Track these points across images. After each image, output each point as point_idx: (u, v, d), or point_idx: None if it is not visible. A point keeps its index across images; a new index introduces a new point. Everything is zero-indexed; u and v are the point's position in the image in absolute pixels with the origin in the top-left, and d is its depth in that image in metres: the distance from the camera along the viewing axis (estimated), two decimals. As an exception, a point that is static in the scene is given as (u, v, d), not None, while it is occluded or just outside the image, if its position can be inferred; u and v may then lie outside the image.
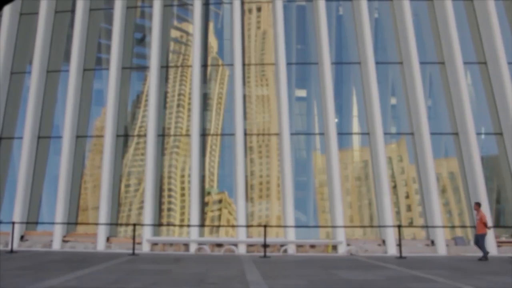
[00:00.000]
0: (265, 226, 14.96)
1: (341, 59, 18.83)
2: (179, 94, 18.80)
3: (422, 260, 13.38)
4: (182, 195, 17.57)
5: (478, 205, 14.17)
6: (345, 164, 17.71)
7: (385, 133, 17.09)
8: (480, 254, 13.90)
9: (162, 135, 18.06)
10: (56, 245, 16.37)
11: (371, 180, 17.15)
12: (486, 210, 15.23)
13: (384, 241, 15.90)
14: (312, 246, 15.98)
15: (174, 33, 19.96)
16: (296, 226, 16.11)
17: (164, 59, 18.93)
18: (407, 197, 17.27)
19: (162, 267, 10.78)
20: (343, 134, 17.83)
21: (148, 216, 16.47)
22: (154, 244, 16.30)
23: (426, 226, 16.22)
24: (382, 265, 11.62)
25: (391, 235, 15.57)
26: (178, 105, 18.65)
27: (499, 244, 15.79)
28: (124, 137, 18.32)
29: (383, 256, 14.21)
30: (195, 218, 16.33)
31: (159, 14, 18.45)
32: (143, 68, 19.25)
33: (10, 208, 17.18)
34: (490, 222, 15.07)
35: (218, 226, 17.27)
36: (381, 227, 16.08)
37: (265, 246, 14.63)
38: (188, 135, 17.83)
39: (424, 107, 16.79)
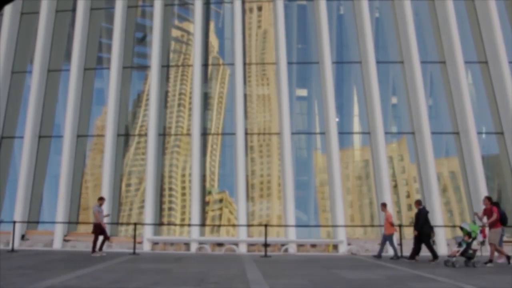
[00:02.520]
0: (265, 226, 14.96)
1: (342, 59, 18.82)
2: (180, 94, 18.80)
3: (423, 259, 13.37)
4: (183, 194, 17.58)
5: (384, 205, 14.25)
6: (346, 163, 17.70)
7: (386, 133, 17.08)
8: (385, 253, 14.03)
9: (163, 134, 18.07)
10: (57, 244, 16.39)
11: (371, 179, 17.14)
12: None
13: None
14: (313, 246, 15.98)
15: (175, 33, 19.96)
16: (297, 226, 16.10)
17: (165, 59, 18.93)
18: (408, 196, 17.26)
19: (163, 267, 10.78)
20: (344, 133, 17.82)
21: (148, 215, 16.48)
22: (155, 243, 16.31)
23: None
24: (383, 265, 11.61)
25: (392, 235, 15.55)
26: (179, 105, 18.65)
27: (500, 243, 15.75)
28: (125, 136, 18.33)
29: (384, 256, 14.19)
30: (195, 218, 16.33)
31: (160, 14, 18.45)
32: (144, 68, 19.25)
33: (11, 207, 17.19)
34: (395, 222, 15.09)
35: (219, 226, 17.26)
36: (382, 226, 16.04)
37: (266, 245, 14.63)
38: (189, 134, 17.83)
39: (425, 106, 16.78)
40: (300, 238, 15.99)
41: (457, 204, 16.99)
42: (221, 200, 17.62)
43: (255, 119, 18.23)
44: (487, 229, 12.43)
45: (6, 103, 18.65)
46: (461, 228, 11.76)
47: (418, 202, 13.52)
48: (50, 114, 18.65)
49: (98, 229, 13.89)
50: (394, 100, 18.60)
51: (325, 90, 17.33)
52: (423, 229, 12.86)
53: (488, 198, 12.44)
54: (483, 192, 15.72)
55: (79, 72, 18.27)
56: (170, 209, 17.52)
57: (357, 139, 18.15)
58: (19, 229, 16.14)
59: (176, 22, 20.12)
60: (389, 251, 14.35)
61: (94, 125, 18.75)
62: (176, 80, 18.99)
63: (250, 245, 16.12)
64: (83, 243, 16.50)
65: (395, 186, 17.31)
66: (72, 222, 17.14)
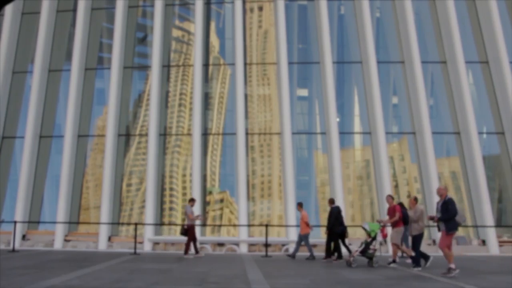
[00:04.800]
0: (266, 226, 14.95)
1: (343, 58, 18.82)
2: (181, 93, 18.80)
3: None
4: (184, 194, 17.58)
5: (300, 205, 13.91)
6: (346, 163, 17.70)
7: (387, 133, 17.07)
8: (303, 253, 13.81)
9: (163, 134, 18.07)
10: (58, 244, 16.40)
11: (372, 179, 17.14)
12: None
13: (385, 241, 15.86)
14: (314, 246, 15.94)
15: (175, 33, 19.97)
16: (298, 226, 16.07)
17: (166, 58, 18.93)
18: (409, 196, 17.22)
19: (163, 266, 10.78)
20: (345, 133, 17.82)
21: (149, 215, 16.48)
22: (156, 243, 16.31)
23: (428, 226, 16.17)
24: (383, 265, 11.60)
25: (392, 235, 15.53)
26: (180, 105, 18.66)
27: (501, 243, 15.76)
28: (125, 136, 18.33)
29: (384, 256, 14.17)
30: (196, 218, 16.32)
31: (161, 13, 18.44)
32: (145, 67, 19.26)
33: (12, 207, 17.20)
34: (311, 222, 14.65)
35: (220, 226, 17.27)
36: (382, 226, 16.02)
37: (266, 245, 14.62)
38: (189, 134, 17.83)
39: (425, 106, 16.77)
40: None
41: (458, 204, 16.90)
42: (222, 200, 17.62)
43: (256, 119, 18.23)
44: (387, 229, 12.31)
45: (7, 103, 18.66)
46: (363, 228, 11.62)
47: (330, 201, 13.24)
48: (51, 114, 18.66)
49: (191, 231, 13.44)
50: (395, 100, 18.60)
51: (326, 90, 17.33)
52: (334, 228, 12.63)
53: (391, 197, 12.19)
54: (484, 192, 15.73)
55: (80, 72, 18.28)
56: (171, 209, 17.53)
57: (358, 139, 18.15)
58: (20, 229, 16.16)
59: (177, 22, 20.13)
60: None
61: (95, 125, 18.76)
62: (177, 80, 19.00)
63: (251, 245, 16.11)
64: (84, 243, 16.51)
65: (396, 186, 17.31)
66: (73, 222, 17.15)
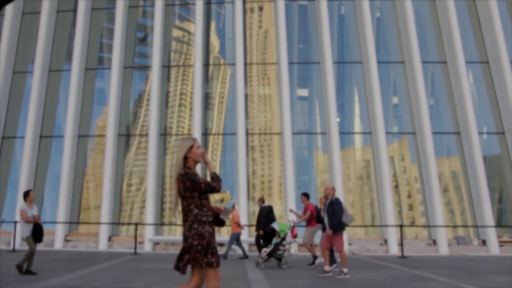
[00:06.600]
0: (267, 226, 14.92)
1: (343, 59, 18.82)
2: (181, 94, 18.80)
3: (424, 259, 13.37)
4: (184, 194, 17.55)
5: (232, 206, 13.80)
6: (347, 163, 17.70)
7: (387, 133, 17.06)
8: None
9: (164, 134, 18.07)
10: (58, 244, 16.39)
11: (373, 179, 17.13)
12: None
13: (386, 241, 15.88)
14: (314, 246, 15.94)
15: (176, 33, 19.97)
16: (298, 226, 16.06)
17: (166, 59, 18.93)
18: (409, 196, 17.25)
19: (164, 266, 10.78)
20: (345, 133, 17.82)
21: (150, 215, 16.47)
22: (156, 243, 16.31)
23: (428, 226, 16.20)
24: (384, 265, 11.60)
25: (393, 235, 15.55)
26: (180, 105, 18.66)
27: (501, 243, 15.76)
28: (126, 136, 18.33)
29: (385, 256, 14.20)
30: (197, 218, 16.31)
31: (161, 14, 18.42)
32: (145, 68, 19.26)
33: (12, 207, 17.19)
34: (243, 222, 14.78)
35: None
36: (383, 226, 16.05)
37: (267, 245, 14.59)
38: (190, 134, 17.82)
39: (426, 106, 16.77)
40: (301, 238, 15.96)
41: (458, 204, 16.98)
42: (222, 200, 17.62)
43: (256, 119, 18.23)
44: (296, 229, 12.17)
45: (7, 103, 18.66)
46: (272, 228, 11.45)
47: (260, 200, 13.04)
48: (51, 114, 18.66)
49: None
50: (395, 100, 18.60)
51: (326, 90, 17.32)
52: (264, 227, 12.19)
53: (305, 195, 11.96)
54: (484, 192, 15.73)
55: (80, 72, 18.27)
56: (171, 209, 17.50)
57: (358, 139, 18.15)
58: (20, 229, 16.13)
59: (177, 22, 20.13)
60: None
61: (95, 125, 18.76)
62: (177, 80, 19.00)
63: (251, 245, 16.09)
64: (84, 243, 16.51)
65: (396, 186, 17.31)
66: (73, 222, 17.15)
